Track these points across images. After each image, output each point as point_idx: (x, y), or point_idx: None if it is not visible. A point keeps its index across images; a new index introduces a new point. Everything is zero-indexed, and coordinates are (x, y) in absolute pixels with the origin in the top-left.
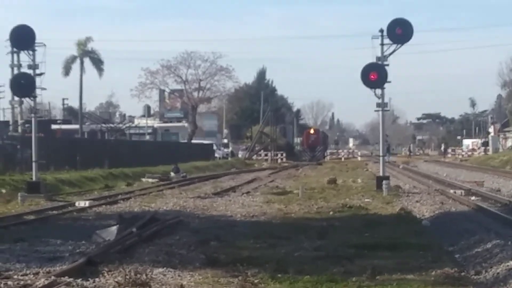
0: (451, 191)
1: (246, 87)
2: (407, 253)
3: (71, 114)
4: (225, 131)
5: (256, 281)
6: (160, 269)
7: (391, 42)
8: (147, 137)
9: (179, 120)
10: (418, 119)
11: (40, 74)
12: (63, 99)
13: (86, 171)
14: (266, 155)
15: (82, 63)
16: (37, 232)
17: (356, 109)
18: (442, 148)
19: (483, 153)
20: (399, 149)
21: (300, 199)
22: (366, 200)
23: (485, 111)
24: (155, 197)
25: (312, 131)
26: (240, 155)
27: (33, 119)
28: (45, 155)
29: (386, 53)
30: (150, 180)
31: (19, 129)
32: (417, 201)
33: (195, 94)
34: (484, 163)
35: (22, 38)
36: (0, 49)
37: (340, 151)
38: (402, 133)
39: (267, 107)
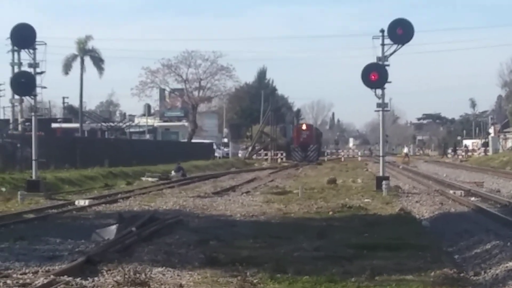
0: (451, 191)
1: (246, 87)
2: (406, 254)
3: (71, 112)
4: (225, 130)
5: (255, 281)
6: (159, 269)
7: (391, 42)
8: (147, 136)
9: (179, 119)
10: (419, 119)
11: (41, 73)
12: (63, 98)
13: (86, 170)
14: (266, 154)
15: (82, 61)
16: (36, 231)
17: (356, 109)
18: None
19: (483, 153)
20: (400, 149)
21: (300, 199)
22: (365, 200)
23: (485, 111)
24: (155, 196)
25: (304, 126)
26: (240, 155)
27: (33, 118)
28: (45, 153)
29: (386, 53)
30: (150, 179)
31: (19, 128)
32: (416, 202)
33: (196, 93)
34: (484, 163)
35: (23, 36)
36: (0, 48)
37: (340, 151)
38: (402, 133)
39: (267, 107)
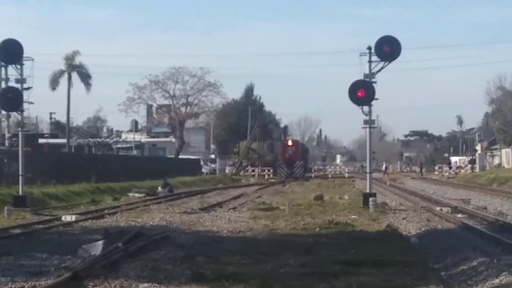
0: (438, 208)
1: (234, 103)
2: (393, 270)
3: (59, 128)
4: (213, 146)
5: None
6: (146, 284)
7: (379, 60)
8: (134, 152)
9: (166, 135)
10: (406, 136)
11: (28, 88)
12: (51, 113)
13: (73, 185)
14: (253, 171)
15: (70, 77)
16: (22, 246)
17: (343, 125)
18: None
19: (470, 170)
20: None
21: (287, 215)
22: (352, 216)
23: (473, 128)
24: (142, 212)
25: (290, 142)
26: (227, 171)
27: (20, 133)
28: (32, 169)
29: (374, 70)
30: (136, 195)
31: (6, 143)
32: (403, 218)
33: (183, 109)
34: (471, 180)
35: (10, 52)
36: None
37: (327, 167)
38: (390, 150)
39: (255, 123)
